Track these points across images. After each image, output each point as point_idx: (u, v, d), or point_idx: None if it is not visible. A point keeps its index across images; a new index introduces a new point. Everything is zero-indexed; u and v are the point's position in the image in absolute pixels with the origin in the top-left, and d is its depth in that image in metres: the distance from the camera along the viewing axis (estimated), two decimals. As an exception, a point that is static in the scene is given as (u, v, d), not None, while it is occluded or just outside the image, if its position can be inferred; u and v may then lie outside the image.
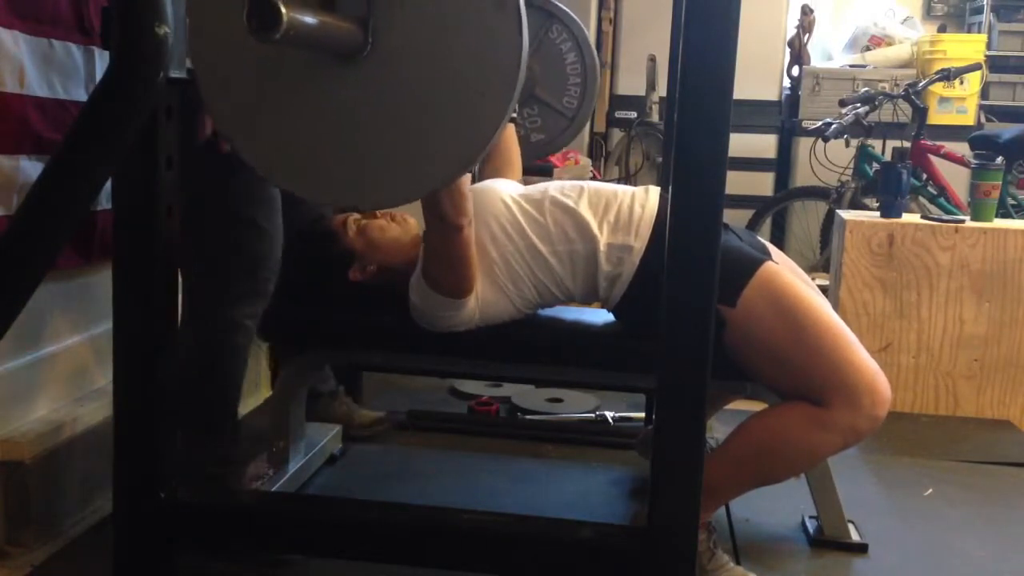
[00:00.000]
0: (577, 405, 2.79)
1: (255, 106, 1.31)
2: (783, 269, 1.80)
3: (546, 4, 2.45)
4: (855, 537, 2.01)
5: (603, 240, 1.80)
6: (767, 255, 1.86)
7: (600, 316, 1.97)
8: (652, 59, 4.97)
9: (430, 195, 1.59)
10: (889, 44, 5.27)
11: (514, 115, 2.26)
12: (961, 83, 4.73)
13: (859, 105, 4.01)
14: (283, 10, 1.07)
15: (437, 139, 1.25)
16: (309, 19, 1.13)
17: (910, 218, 3.06)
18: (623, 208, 1.83)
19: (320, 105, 1.28)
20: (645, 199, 1.86)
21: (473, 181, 2.13)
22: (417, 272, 1.80)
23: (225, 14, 1.22)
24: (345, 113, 1.27)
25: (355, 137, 1.28)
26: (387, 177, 1.29)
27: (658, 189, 1.91)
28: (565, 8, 2.44)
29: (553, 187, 1.89)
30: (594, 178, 4.51)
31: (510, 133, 2.25)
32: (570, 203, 1.83)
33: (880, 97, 4.08)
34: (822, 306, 1.76)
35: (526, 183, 2.05)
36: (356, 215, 1.98)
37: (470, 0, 1.22)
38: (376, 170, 1.28)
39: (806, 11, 5.23)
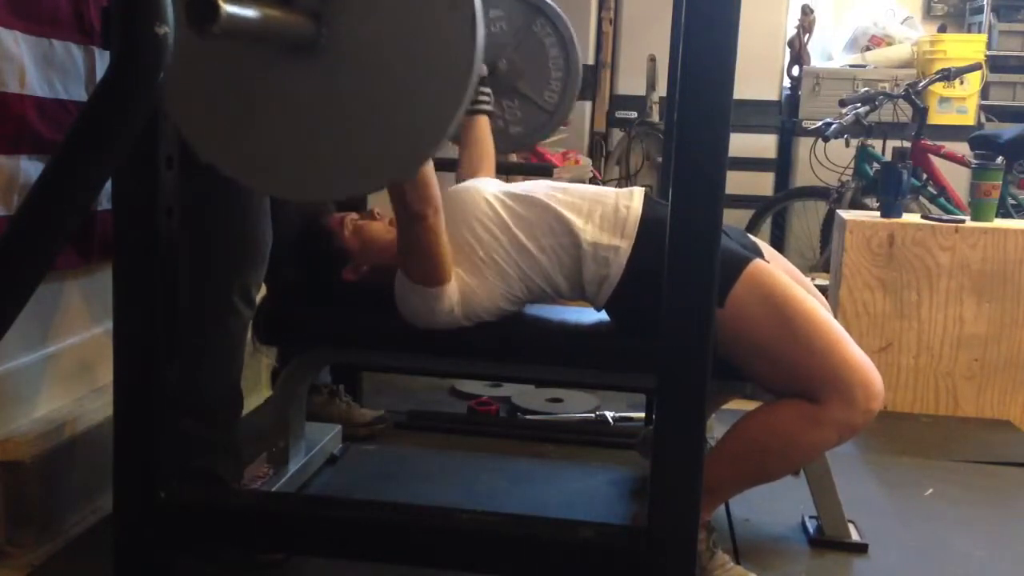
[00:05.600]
0: (577, 405, 2.79)
1: (211, 100, 1.30)
2: (772, 267, 1.80)
3: None
4: (855, 537, 2.01)
5: (588, 239, 1.80)
6: (757, 254, 1.86)
7: (599, 315, 1.97)
8: (652, 59, 4.97)
9: (394, 186, 1.60)
10: (889, 44, 5.28)
11: (491, 107, 2.26)
12: (961, 83, 4.73)
13: (859, 105, 4.02)
14: (220, 4, 1.05)
15: (389, 135, 1.25)
16: (249, 12, 1.12)
17: (910, 218, 3.06)
18: (607, 209, 1.83)
19: (273, 99, 1.28)
20: (630, 200, 1.85)
21: (457, 180, 2.13)
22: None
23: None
24: (299, 107, 1.27)
25: (309, 130, 1.27)
26: (338, 171, 1.28)
27: (643, 190, 1.91)
28: (551, 2, 2.42)
29: (538, 188, 1.89)
30: (594, 178, 4.51)
31: (484, 124, 2.24)
32: (552, 204, 1.83)
33: (880, 97, 4.08)
34: (812, 303, 1.76)
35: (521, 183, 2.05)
36: (354, 215, 1.98)
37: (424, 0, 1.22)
38: (328, 164, 1.28)
39: (806, 11, 5.24)
